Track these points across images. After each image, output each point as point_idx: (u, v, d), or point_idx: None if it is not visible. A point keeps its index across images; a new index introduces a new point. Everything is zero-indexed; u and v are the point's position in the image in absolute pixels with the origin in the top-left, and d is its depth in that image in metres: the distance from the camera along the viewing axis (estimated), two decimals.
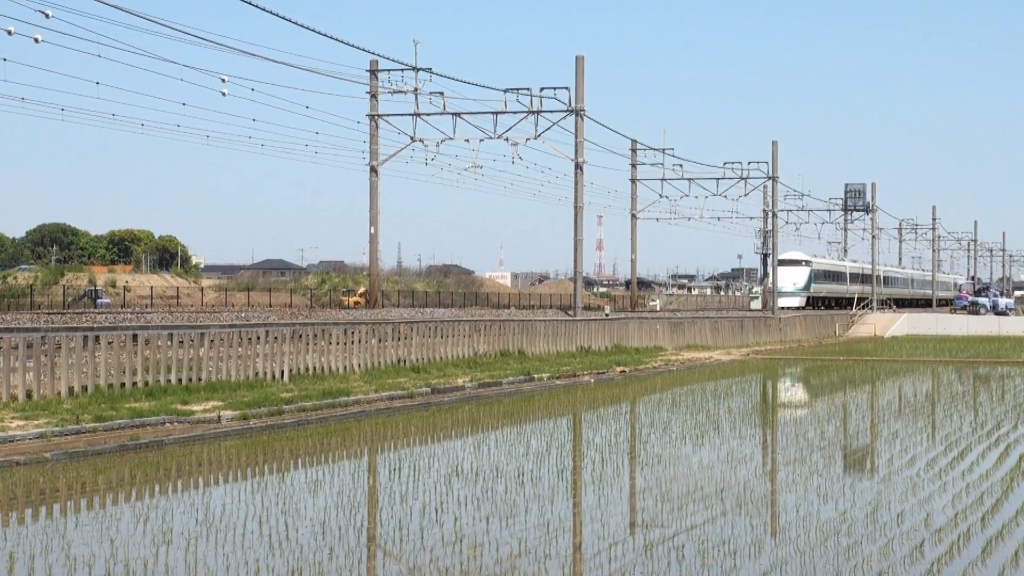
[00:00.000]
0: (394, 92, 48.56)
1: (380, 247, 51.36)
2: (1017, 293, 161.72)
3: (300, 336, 30.79)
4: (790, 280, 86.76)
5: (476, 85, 49.38)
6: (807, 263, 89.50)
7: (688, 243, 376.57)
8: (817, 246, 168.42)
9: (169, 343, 26.59)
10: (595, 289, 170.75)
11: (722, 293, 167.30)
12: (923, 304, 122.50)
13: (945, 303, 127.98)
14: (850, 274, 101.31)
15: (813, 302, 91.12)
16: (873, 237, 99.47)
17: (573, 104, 48.40)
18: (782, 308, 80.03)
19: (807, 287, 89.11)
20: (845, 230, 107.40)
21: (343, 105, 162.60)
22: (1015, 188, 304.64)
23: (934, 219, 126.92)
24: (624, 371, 41.52)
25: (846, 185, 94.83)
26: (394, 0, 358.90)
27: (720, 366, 47.54)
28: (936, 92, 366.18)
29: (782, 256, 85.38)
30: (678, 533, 14.08)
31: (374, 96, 49.25)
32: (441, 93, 48.76)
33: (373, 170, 49.94)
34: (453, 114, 49.51)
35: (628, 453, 21.97)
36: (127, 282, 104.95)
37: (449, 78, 50.81)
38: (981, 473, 18.77)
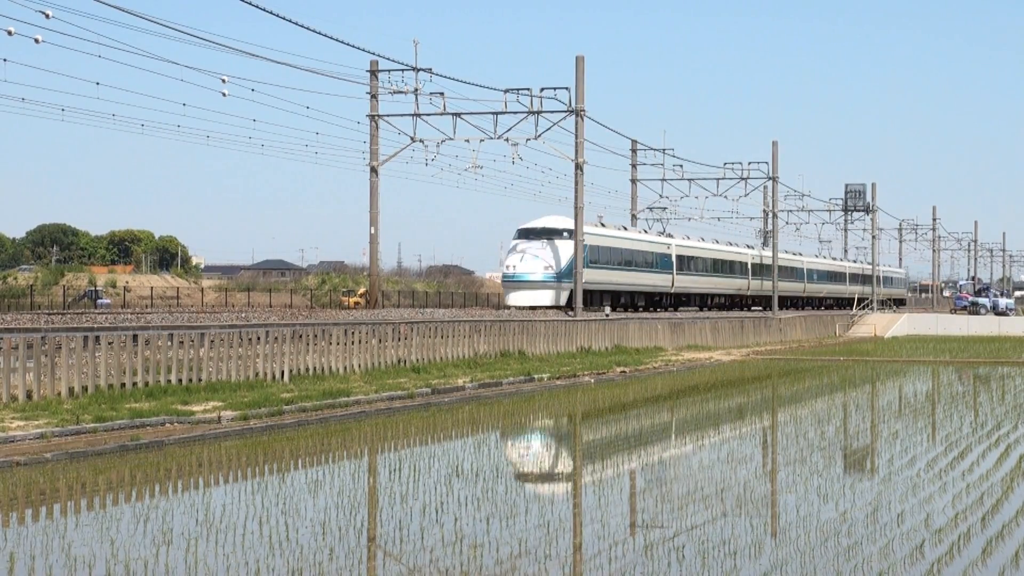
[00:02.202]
0: (394, 92, 48.64)
1: (380, 247, 51.42)
2: (1017, 293, 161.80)
3: (300, 336, 30.79)
4: (538, 263, 53.05)
5: (476, 85, 49.51)
6: (570, 234, 51.84)
7: None
8: (818, 247, 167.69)
9: (169, 343, 26.59)
10: None
11: None
12: (831, 305, 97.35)
13: (838, 304, 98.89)
14: (655, 255, 65.17)
15: (586, 299, 51.97)
16: (873, 237, 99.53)
17: (573, 104, 48.42)
18: (528, 308, 51.46)
19: (565, 275, 52.57)
20: (845, 230, 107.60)
21: (343, 105, 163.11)
22: (1015, 188, 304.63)
23: (934, 219, 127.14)
24: (624, 371, 41.52)
25: (846, 185, 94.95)
26: (394, 0, 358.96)
27: (720, 366, 47.55)
28: (936, 93, 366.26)
29: (527, 223, 55.58)
30: (678, 533, 14.08)
31: (374, 96, 49.27)
32: (441, 93, 48.84)
33: (373, 170, 49.96)
34: (453, 114, 49.55)
35: (628, 453, 21.98)
36: (127, 282, 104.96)
37: (449, 78, 51.00)
38: (981, 473, 18.77)
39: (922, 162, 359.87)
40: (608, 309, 55.96)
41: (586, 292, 52.77)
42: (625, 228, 64.25)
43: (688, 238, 72.12)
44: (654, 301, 66.24)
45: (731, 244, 78.61)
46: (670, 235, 69.75)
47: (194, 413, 23.54)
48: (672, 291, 67.82)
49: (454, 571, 12.14)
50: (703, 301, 73.33)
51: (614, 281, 59.76)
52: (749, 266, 79.09)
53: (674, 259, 67.75)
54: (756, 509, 15.85)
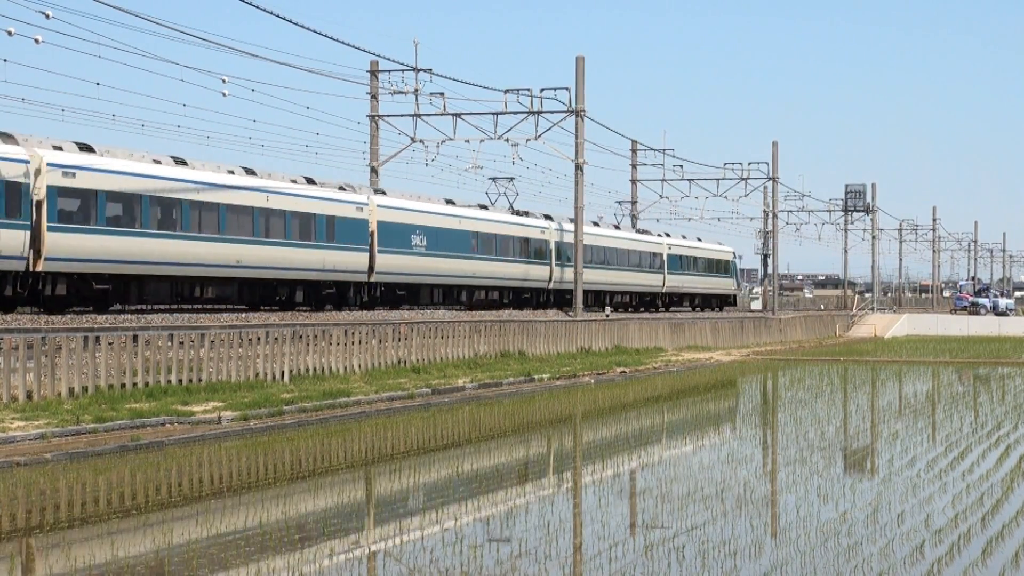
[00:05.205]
0: (394, 93, 48.69)
1: None
2: (1017, 293, 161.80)
3: (300, 337, 30.79)
4: None
5: (476, 86, 49.63)
6: None
7: None
8: (817, 247, 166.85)
9: (169, 344, 26.58)
10: None
11: None
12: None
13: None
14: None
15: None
16: (873, 238, 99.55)
17: (573, 105, 48.41)
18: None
19: None
20: (845, 231, 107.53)
21: (343, 106, 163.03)
22: (1015, 188, 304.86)
23: (934, 219, 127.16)
24: (624, 372, 41.52)
25: (846, 186, 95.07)
26: (394, 0, 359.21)
27: (720, 367, 47.55)
28: (936, 93, 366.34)
29: None
30: (678, 534, 14.09)
31: (374, 97, 49.31)
32: (441, 94, 48.86)
33: (374, 171, 49.97)
34: (453, 115, 49.56)
35: (628, 453, 21.97)
36: None
37: (449, 79, 50.96)
38: (981, 474, 18.77)
39: (922, 162, 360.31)
40: (609, 310, 55.87)
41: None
42: (221, 170, 36.81)
43: (301, 183, 40.02)
44: (182, 292, 38.34)
45: (423, 198, 46.69)
46: (251, 170, 38.24)
47: (194, 413, 23.55)
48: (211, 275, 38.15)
49: (454, 571, 12.14)
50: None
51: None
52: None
53: (257, 216, 37.90)
54: (756, 509, 15.85)
